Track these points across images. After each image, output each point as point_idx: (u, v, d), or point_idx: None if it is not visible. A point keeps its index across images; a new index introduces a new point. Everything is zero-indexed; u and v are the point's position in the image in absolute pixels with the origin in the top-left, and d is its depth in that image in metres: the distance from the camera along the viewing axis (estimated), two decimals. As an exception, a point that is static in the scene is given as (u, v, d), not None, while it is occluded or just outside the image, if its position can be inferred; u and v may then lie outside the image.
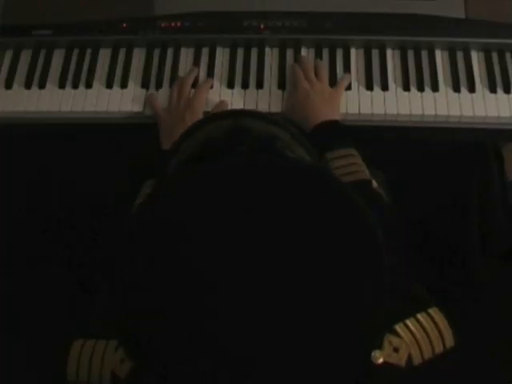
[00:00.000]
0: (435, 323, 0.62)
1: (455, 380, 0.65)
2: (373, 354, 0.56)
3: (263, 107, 1.06)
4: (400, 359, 0.59)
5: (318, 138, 0.97)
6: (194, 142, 0.65)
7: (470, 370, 0.76)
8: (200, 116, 1.03)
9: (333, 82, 1.07)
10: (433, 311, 0.63)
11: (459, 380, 0.65)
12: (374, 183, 0.91)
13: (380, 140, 1.12)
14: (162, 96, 1.08)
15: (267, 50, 1.11)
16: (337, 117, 1.02)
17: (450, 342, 0.62)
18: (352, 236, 0.49)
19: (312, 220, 0.48)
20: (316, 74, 1.07)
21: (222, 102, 1.06)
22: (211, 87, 1.08)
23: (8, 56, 1.14)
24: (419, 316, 0.62)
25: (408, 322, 0.61)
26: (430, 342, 0.61)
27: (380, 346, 0.57)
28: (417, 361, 0.60)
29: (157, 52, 1.12)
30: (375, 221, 0.50)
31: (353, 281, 0.47)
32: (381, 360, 0.56)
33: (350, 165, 0.92)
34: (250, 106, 1.06)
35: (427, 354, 0.60)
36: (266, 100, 1.06)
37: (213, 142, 0.62)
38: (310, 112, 1.01)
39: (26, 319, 0.99)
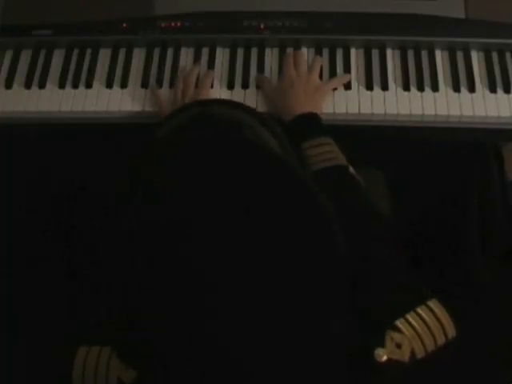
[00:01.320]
0: (435, 315, 0.62)
1: (455, 380, 0.65)
2: (376, 352, 0.57)
3: (263, 107, 1.06)
4: (403, 355, 0.59)
5: (295, 129, 0.97)
6: (166, 127, 0.67)
7: (470, 369, 0.76)
8: None
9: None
10: (432, 303, 0.63)
11: (459, 380, 0.65)
12: (351, 169, 0.91)
13: (380, 140, 1.12)
14: (162, 95, 1.08)
15: (267, 50, 1.11)
16: (317, 110, 1.01)
17: (451, 332, 0.62)
18: (302, 214, 0.49)
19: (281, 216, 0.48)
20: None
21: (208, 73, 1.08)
22: (211, 86, 1.08)
23: (8, 56, 1.14)
24: (419, 309, 0.62)
25: (408, 316, 0.61)
26: (432, 334, 0.61)
27: (383, 344, 0.57)
28: (420, 354, 0.60)
29: (157, 52, 1.12)
30: (322, 195, 0.51)
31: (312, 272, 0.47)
32: (384, 358, 0.56)
33: (325, 152, 0.92)
34: (251, 106, 1.06)
35: (430, 347, 0.61)
36: (266, 99, 1.06)
37: (181, 129, 0.64)
38: (291, 101, 1.01)
39: (25, 319, 0.99)
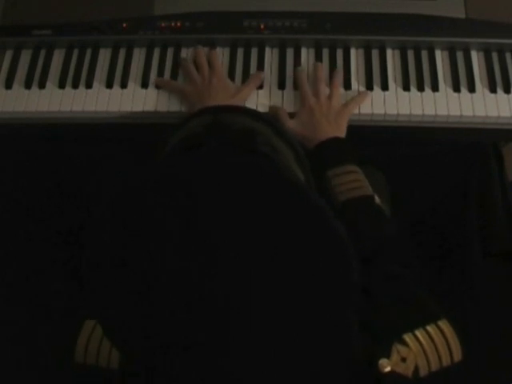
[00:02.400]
0: (444, 335, 0.62)
1: (455, 379, 0.65)
2: (380, 362, 0.57)
3: (263, 107, 1.06)
4: (407, 369, 0.59)
5: (319, 157, 0.95)
6: (179, 134, 0.67)
7: (470, 369, 0.76)
8: (224, 77, 1.06)
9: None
10: (442, 323, 0.63)
11: (459, 379, 0.65)
12: (377, 198, 0.90)
13: (380, 140, 1.12)
14: (162, 95, 1.08)
15: (267, 49, 1.11)
16: (341, 135, 0.99)
17: (457, 355, 0.62)
18: (307, 227, 0.48)
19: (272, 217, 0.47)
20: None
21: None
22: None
23: (8, 56, 1.14)
24: (428, 327, 0.62)
25: (417, 332, 0.61)
26: (438, 354, 0.61)
27: (388, 355, 0.57)
28: (423, 372, 0.60)
29: (157, 52, 1.12)
30: (331, 212, 0.50)
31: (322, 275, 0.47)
32: (388, 368, 0.56)
33: (351, 181, 0.90)
34: (250, 106, 1.06)
35: (434, 366, 0.60)
36: (266, 100, 1.06)
37: (192, 137, 0.64)
38: (315, 132, 0.98)
39: (25, 318, 0.99)
